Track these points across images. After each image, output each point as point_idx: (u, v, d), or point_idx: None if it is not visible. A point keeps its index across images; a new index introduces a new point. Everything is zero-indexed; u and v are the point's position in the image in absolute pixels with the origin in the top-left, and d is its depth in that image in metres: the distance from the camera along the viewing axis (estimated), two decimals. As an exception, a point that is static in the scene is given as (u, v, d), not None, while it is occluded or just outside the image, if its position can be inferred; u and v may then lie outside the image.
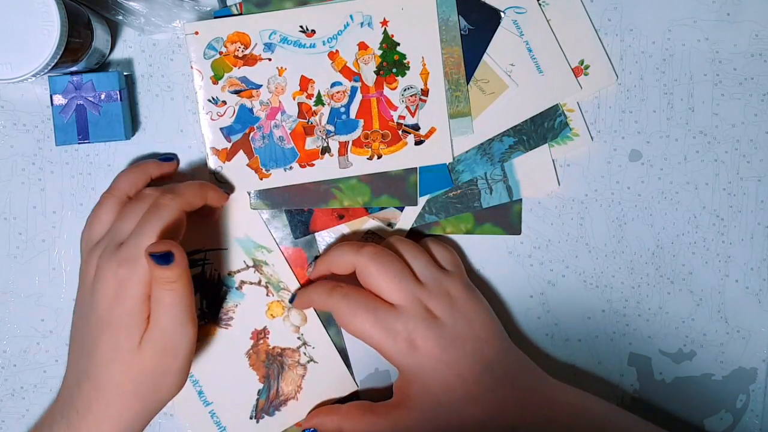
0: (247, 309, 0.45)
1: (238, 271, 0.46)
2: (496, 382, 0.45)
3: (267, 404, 0.46)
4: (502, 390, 0.45)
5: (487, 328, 0.46)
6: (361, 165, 0.50)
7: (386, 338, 0.44)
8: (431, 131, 0.50)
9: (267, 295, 0.45)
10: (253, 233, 0.44)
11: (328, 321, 0.50)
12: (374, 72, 0.49)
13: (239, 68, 0.49)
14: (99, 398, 0.40)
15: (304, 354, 0.47)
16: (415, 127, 0.50)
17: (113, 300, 0.40)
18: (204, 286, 0.45)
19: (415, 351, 0.44)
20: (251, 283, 0.45)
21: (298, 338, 0.47)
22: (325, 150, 0.49)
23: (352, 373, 0.50)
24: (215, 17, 0.49)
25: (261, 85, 0.49)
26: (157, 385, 0.41)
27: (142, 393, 0.41)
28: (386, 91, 0.49)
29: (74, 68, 0.46)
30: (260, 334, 0.46)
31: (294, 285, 0.47)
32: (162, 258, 0.39)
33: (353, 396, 0.51)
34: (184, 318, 0.40)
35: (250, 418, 0.46)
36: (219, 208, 0.48)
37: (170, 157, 0.49)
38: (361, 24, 0.49)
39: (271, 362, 0.46)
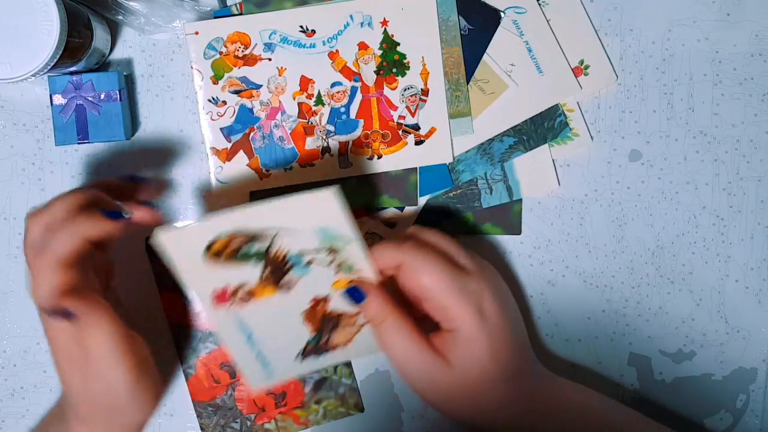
0: (311, 282, 0.43)
1: (310, 252, 0.44)
2: (519, 370, 0.45)
3: (315, 349, 0.45)
4: (521, 379, 0.45)
5: (517, 315, 0.46)
6: (361, 165, 0.50)
7: (459, 295, 0.42)
8: (431, 131, 0.50)
9: (336, 274, 0.44)
10: (332, 224, 0.42)
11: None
12: (374, 72, 0.49)
13: (239, 68, 0.49)
14: (67, 413, 0.43)
15: (361, 317, 0.46)
16: (415, 127, 0.50)
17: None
18: (269, 258, 0.43)
19: (482, 316, 0.42)
20: (320, 264, 0.43)
21: None
22: (325, 150, 0.49)
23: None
24: (215, 17, 0.49)
25: (261, 85, 0.49)
26: (113, 410, 0.41)
27: (97, 417, 0.42)
28: (386, 91, 0.49)
29: (74, 68, 0.46)
30: (321, 301, 0.45)
31: (368, 272, 0.44)
32: (60, 313, 0.39)
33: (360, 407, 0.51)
34: (111, 349, 0.40)
35: (296, 357, 0.45)
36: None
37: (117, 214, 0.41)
38: (361, 24, 0.49)
39: (326, 321, 0.45)
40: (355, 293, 0.43)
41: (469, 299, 0.42)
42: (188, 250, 0.39)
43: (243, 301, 0.42)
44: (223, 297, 0.42)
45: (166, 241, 0.38)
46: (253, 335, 0.43)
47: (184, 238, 0.39)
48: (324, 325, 0.45)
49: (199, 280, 0.41)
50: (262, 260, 0.41)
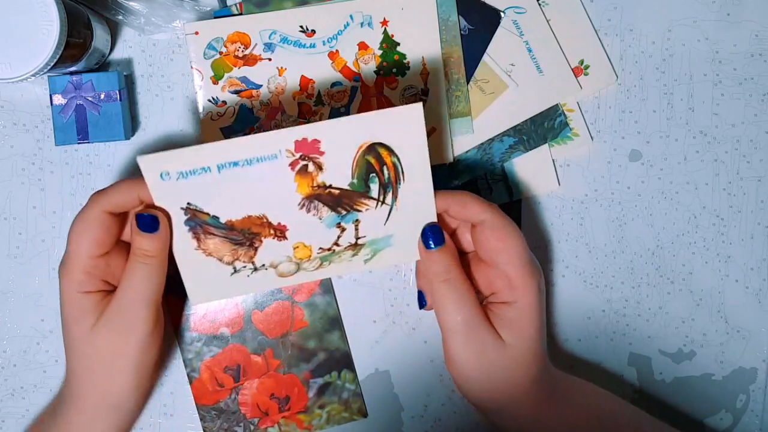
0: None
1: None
2: (544, 357, 0.45)
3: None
4: (546, 366, 0.45)
5: None
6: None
7: (530, 268, 0.42)
8: (431, 131, 0.50)
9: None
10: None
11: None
12: (374, 72, 0.49)
13: (239, 68, 0.49)
14: (64, 395, 0.44)
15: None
16: (415, 127, 0.50)
17: (61, 299, 0.42)
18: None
19: (541, 293, 0.43)
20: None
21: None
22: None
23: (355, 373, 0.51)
24: (215, 17, 0.49)
25: (261, 85, 0.49)
26: (109, 372, 0.42)
27: (95, 381, 0.42)
28: (386, 91, 0.49)
29: (74, 68, 0.46)
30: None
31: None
32: (146, 223, 0.39)
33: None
34: (148, 298, 0.41)
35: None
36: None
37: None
38: (361, 24, 0.49)
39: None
40: (434, 234, 0.43)
41: (535, 274, 0.43)
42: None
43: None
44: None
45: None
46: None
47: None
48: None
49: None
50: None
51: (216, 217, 0.41)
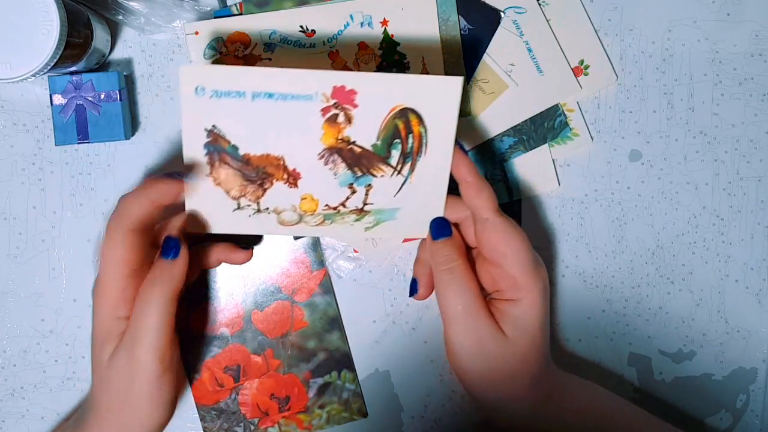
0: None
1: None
2: (546, 354, 0.45)
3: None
4: (547, 364, 0.45)
5: None
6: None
7: (534, 267, 0.43)
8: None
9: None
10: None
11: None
12: (374, 72, 0.49)
13: (239, 68, 0.49)
14: (86, 411, 0.43)
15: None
16: (415, 127, 0.50)
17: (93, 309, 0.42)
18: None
19: (545, 292, 0.43)
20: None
21: None
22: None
23: (354, 372, 0.51)
24: (215, 17, 0.49)
25: (261, 85, 0.49)
26: (125, 406, 0.41)
27: (115, 411, 0.42)
28: (386, 91, 0.49)
29: (74, 68, 0.46)
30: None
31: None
32: (169, 248, 0.40)
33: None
34: (163, 319, 0.40)
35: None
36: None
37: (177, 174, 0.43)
38: (361, 24, 0.49)
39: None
40: (441, 225, 0.43)
41: (539, 274, 0.43)
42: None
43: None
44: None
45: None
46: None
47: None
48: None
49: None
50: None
51: (236, 147, 0.42)
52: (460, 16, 0.49)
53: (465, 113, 0.50)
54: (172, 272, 0.41)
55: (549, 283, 0.45)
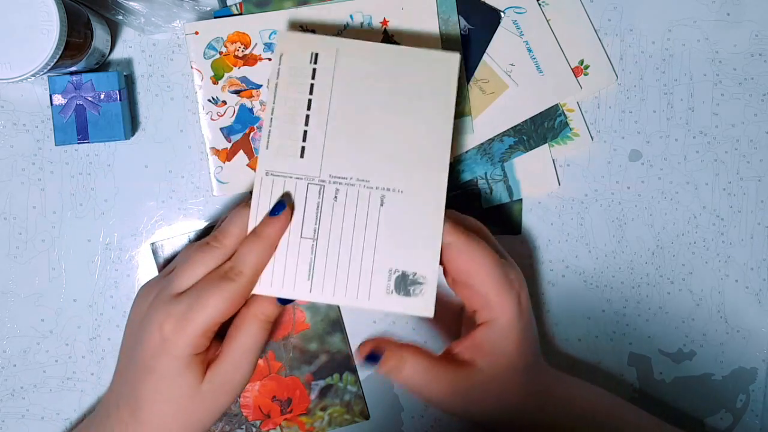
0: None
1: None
2: (535, 363, 0.45)
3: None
4: (538, 372, 0.45)
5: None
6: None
7: (503, 283, 0.42)
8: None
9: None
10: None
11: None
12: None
13: (239, 68, 0.49)
14: (138, 429, 0.41)
15: None
16: (415, 127, 0.50)
17: (158, 349, 0.40)
18: None
19: (520, 307, 0.42)
20: None
21: None
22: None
23: (359, 378, 0.51)
24: (215, 17, 0.49)
25: (261, 85, 0.49)
26: (203, 423, 0.41)
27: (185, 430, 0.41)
28: (386, 91, 0.49)
29: (74, 68, 0.46)
30: None
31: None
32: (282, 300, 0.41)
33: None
34: (255, 352, 0.41)
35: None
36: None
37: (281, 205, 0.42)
38: (361, 24, 0.49)
39: None
40: (372, 359, 0.44)
41: (511, 288, 0.42)
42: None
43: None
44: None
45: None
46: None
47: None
48: None
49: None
50: None
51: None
52: (460, 16, 0.49)
53: (465, 113, 0.50)
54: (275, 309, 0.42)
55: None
